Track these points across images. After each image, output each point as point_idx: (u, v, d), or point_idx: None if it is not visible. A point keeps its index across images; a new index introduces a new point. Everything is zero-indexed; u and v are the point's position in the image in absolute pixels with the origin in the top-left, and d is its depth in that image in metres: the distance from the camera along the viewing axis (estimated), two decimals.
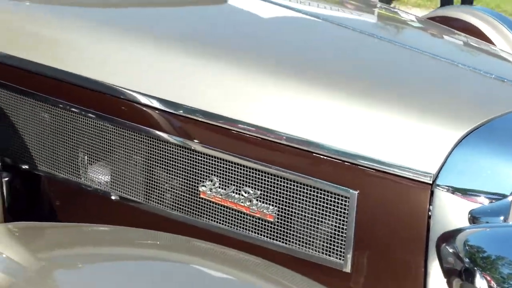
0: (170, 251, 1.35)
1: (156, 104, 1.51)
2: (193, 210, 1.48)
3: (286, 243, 1.35)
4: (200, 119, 1.44)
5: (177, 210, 1.51)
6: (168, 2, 2.24)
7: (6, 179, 1.69)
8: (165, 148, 1.49)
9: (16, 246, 1.35)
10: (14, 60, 1.76)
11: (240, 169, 1.38)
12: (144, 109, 1.53)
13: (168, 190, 1.52)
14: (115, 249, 1.37)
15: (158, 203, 1.54)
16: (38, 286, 1.16)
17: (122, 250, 1.36)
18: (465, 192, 1.20)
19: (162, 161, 1.50)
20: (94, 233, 1.44)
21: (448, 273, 1.13)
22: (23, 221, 1.50)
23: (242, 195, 1.38)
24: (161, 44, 1.66)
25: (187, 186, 1.47)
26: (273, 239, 1.37)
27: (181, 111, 1.47)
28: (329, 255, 1.31)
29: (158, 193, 1.53)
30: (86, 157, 1.65)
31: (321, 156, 1.30)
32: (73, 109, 1.66)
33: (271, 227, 1.37)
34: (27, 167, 1.77)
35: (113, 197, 1.63)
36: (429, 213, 1.21)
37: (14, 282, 1.16)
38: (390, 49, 1.77)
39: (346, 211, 1.27)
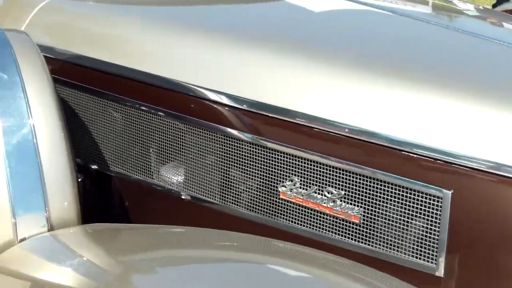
0: (250, 252, 1.31)
1: (232, 102, 1.48)
2: (272, 211, 1.43)
3: (372, 245, 1.30)
4: (278, 117, 1.40)
5: (254, 211, 1.47)
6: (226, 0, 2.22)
7: (79, 180, 1.67)
8: (241, 148, 1.45)
9: (95, 249, 1.34)
10: (85, 59, 1.75)
11: (323, 168, 1.33)
12: (220, 108, 1.50)
13: (245, 190, 1.48)
14: (193, 251, 1.34)
15: (233, 203, 1.50)
16: None
17: (201, 252, 1.33)
18: None
19: (239, 160, 1.47)
20: (171, 235, 1.42)
21: None
22: (98, 223, 1.49)
23: (325, 196, 1.34)
24: (234, 41, 1.62)
25: (265, 186, 1.43)
26: (358, 241, 1.31)
27: (259, 110, 1.43)
28: (420, 258, 1.25)
29: (234, 193, 1.50)
30: (158, 157, 1.63)
31: (411, 155, 1.24)
32: (144, 108, 1.64)
33: (356, 228, 1.31)
34: (97, 167, 1.76)
35: (185, 198, 1.60)
36: None
37: (96, 286, 1.14)
38: (459, 38, 1.71)
39: (439, 212, 1.21)
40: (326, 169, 1.32)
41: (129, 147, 1.69)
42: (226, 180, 1.50)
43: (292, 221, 1.40)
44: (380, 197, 1.27)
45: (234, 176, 1.49)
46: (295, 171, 1.37)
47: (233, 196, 1.50)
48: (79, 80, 1.79)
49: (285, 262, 1.22)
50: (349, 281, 1.14)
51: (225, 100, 1.48)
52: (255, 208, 1.46)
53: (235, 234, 1.38)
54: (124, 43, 1.77)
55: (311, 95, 1.38)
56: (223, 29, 1.75)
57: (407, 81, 1.33)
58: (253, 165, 1.44)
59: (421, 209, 1.23)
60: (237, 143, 1.46)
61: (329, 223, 1.34)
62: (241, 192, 1.49)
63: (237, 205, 1.49)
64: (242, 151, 1.45)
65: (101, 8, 2.04)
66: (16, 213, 1.35)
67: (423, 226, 1.24)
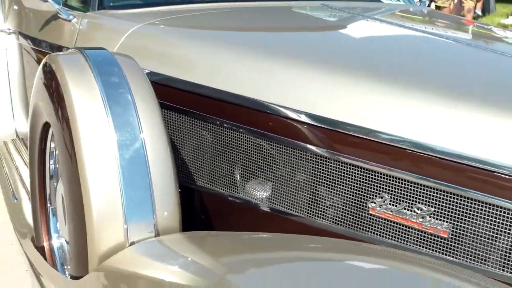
0: (344, 252, 1.39)
1: (321, 123, 1.58)
2: (360, 225, 1.54)
3: (460, 259, 1.40)
4: (369, 138, 1.50)
5: (342, 225, 1.57)
6: (292, 27, 2.36)
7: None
8: (331, 166, 1.56)
9: (198, 252, 1.45)
10: (174, 81, 1.88)
11: (414, 186, 1.43)
12: (311, 128, 1.60)
13: (333, 205, 1.58)
14: (287, 253, 1.43)
15: (320, 217, 1.61)
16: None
17: (294, 253, 1.42)
18: None
19: (328, 178, 1.57)
20: (266, 240, 1.52)
21: None
22: (198, 231, 1.60)
23: (414, 212, 1.44)
24: (320, 66, 1.74)
25: (354, 202, 1.54)
26: (447, 255, 1.41)
27: (344, 129, 1.53)
28: (507, 271, 1.34)
29: (321, 208, 1.60)
30: (245, 173, 1.74)
31: (498, 174, 1.34)
32: (229, 126, 1.75)
33: (444, 243, 1.41)
34: (187, 182, 1.88)
35: (271, 212, 1.71)
36: None
37: (205, 283, 1.24)
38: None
39: None
40: (416, 187, 1.43)
41: (215, 163, 1.81)
42: (314, 196, 1.61)
43: (379, 235, 1.50)
44: (470, 214, 1.37)
45: (322, 192, 1.60)
46: (385, 188, 1.48)
47: (320, 211, 1.60)
48: (168, 100, 1.91)
49: (383, 261, 1.31)
50: (454, 279, 1.22)
51: (316, 121, 1.59)
52: (343, 222, 1.57)
53: (326, 238, 1.48)
54: (211, 66, 1.88)
55: (400, 117, 1.48)
56: (306, 54, 1.88)
57: (492, 105, 1.44)
58: (343, 182, 1.55)
59: (507, 225, 1.33)
60: (326, 161, 1.57)
61: (418, 238, 1.44)
62: (328, 207, 1.59)
63: (324, 219, 1.60)
64: (331, 169, 1.56)
65: (188, 33, 2.19)
66: (128, 220, 1.48)
67: (510, 241, 1.33)
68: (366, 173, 1.50)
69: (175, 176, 1.56)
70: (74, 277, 1.58)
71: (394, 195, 1.46)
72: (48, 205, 2.03)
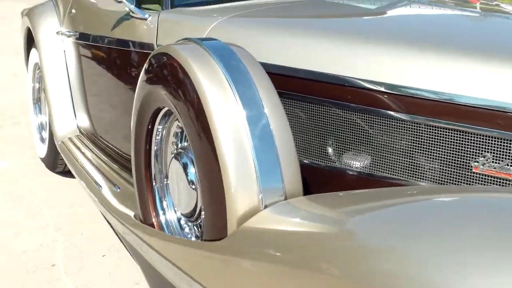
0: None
1: (426, 94, 1.75)
2: (464, 183, 1.72)
3: None
4: (465, 105, 1.67)
5: (446, 184, 1.75)
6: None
7: None
8: (433, 133, 1.74)
9: (328, 208, 1.62)
10: (268, 66, 2.02)
11: None
12: (417, 100, 1.77)
13: (435, 168, 1.76)
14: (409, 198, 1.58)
15: (423, 179, 1.79)
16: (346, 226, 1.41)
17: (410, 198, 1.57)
18: None
19: (430, 143, 1.75)
20: (381, 192, 1.68)
21: None
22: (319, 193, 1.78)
23: None
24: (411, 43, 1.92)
25: (457, 164, 1.72)
26: None
27: (448, 98, 1.70)
28: None
29: (424, 170, 1.78)
30: (347, 145, 1.92)
31: None
32: (325, 103, 1.93)
33: None
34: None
35: (372, 178, 1.88)
36: None
37: (338, 231, 1.41)
38: None
39: None
40: None
41: (315, 138, 1.99)
42: (416, 161, 1.79)
43: None
44: None
45: (424, 157, 1.78)
46: (488, 148, 1.67)
47: (423, 173, 1.79)
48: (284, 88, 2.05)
49: None
50: None
51: (419, 93, 1.76)
52: (447, 182, 1.75)
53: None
54: (302, 50, 2.04)
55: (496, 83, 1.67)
56: (386, 34, 2.06)
57: None
58: (445, 146, 1.73)
59: None
60: (430, 129, 1.75)
61: None
62: (430, 169, 1.77)
63: (427, 180, 1.78)
64: (435, 136, 1.74)
65: (272, 23, 2.37)
66: (262, 186, 1.66)
67: None
68: (468, 136, 1.69)
69: (294, 146, 1.74)
70: (209, 241, 1.76)
71: (496, 153, 1.65)
72: (154, 184, 2.21)
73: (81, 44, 3.38)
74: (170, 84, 1.87)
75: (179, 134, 2.13)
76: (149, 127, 2.14)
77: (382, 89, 1.81)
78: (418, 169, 1.79)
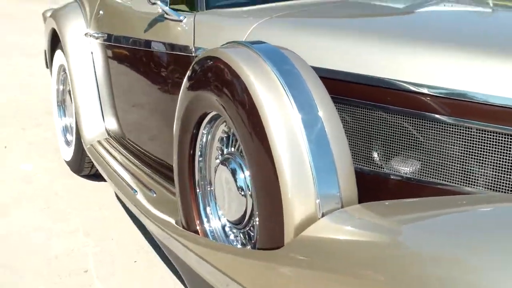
0: None
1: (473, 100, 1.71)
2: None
3: None
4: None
5: (497, 191, 1.69)
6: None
7: None
8: (486, 137, 1.68)
9: (387, 217, 1.58)
10: (335, 73, 1.98)
11: None
12: (468, 106, 1.72)
13: (488, 174, 1.71)
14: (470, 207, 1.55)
15: (473, 185, 1.73)
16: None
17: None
18: None
19: (481, 148, 1.69)
20: (439, 201, 1.64)
21: None
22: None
23: None
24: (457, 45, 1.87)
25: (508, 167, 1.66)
26: None
27: (500, 102, 1.66)
28: None
29: (474, 176, 1.73)
30: (400, 151, 1.87)
31: None
32: (372, 108, 1.88)
33: None
34: None
35: (421, 184, 1.83)
36: None
37: (383, 237, 1.40)
38: None
39: None
40: None
41: (362, 143, 1.94)
42: (467, 166, 1.74)
43: None
44: None
45: (477, 162, 1.73)
46: None
47: (476, 179, 1.73)
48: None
49: None
50: None
51: (471, 96, 1.72)
52: (500, 189, 1.69)
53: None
54: (349, 52, 2.00)
55: None
56: (431, 35, 2.02)
57: None
58: (500, 151, 1.67)
59: None
60: (483, 134, 1.69)
61: None
62: (483, 175, 1.72)
63: (480, 187, 1.72)
64: (486, 140, 1.69)
65: (314, 24, 2.33)
66: (319, 193, 1.61)
67: None
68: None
69: (349, 152, 1.70)
70: (264, 249, 1.72)
71: None
72: (197, 190, 2.17)
73: (110, 46, 3.34)
74: (221, 88, 1.83)
75: (224, 139, 2.09)
76: (194, 132, 2.10)
77: (432, 92, 1.76)
78: (470, 175, 1.74)
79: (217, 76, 1.86)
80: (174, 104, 2.27)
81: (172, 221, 2.33)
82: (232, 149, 2.03)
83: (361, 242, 1.46)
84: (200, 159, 2.16)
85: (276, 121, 1.64)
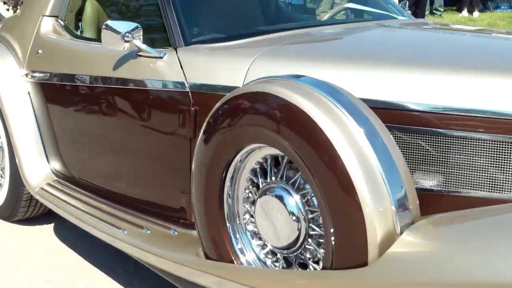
0: None
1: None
2: None
3: None
4: None
5: None
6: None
7: None
8: None
9: (458, 227, 1.78)
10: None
11: None
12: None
13: None
14: None
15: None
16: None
17: None
18: None
19: None
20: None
21: None
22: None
23: None
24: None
25: None
26: None
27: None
28: None
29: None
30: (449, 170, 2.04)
31: None
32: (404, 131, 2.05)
33: None
34: None
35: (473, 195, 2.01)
36: None
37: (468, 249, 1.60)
38: None
39: None
40: None
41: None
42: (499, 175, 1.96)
43: None
44: None
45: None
46: None
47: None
48: None
49: None
50: None
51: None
52: None
53: None
54: (366, 78, 2.17)
55: None
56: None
57: None
58: None
59: None
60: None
61: None
62: None
63: None
64: None
65: (317, 53, 2.50)
66: (395, 210, 1.77)
67: None
68: None
69: (409, 172, 1.87)
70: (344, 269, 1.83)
71: None
72: (228, 224, 2.23)
73: (55, 86, 3.25)
74: (279, 123, 1.92)
75: (258, 170, 2.17)
76: (224, 168, 2.17)
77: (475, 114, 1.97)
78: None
79: (270, 111, 1.96)
80: (147, 140, 2.37)
81: (191, 255, 2.35)
82: (273, 178, 2.12)
83: (452, 256, 1.63)
84: (229, 193, 2.22)
85: (349, 150, 1.78)
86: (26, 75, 3.42)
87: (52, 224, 3.76)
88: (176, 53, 2.65)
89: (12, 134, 3.41)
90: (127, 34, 2.65)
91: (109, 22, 2.70)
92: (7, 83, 3.47)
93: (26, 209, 3.65)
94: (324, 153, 1.81)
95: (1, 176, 3.81)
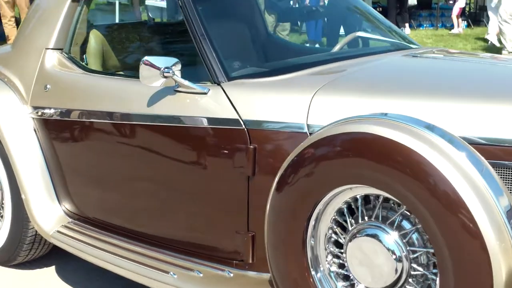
0: None
1: None
2: None
3: None
4: None
5: None
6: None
7: None
8: None
9: None
10: None
11: None
12: None
13: None
14: None
15: None
16: None
17: None
18: None
19: None
20: None
21: None
22: None
23: None
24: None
25: None
26: None
27: None
28: None
29: None
30: None
31: None
32: None
33: None
34: None
35: None
36: None
37: None
38: None
39: None
40: None
41: None
42: None
43: None
44: None
45: None
46: None
47: None
48: None
49: None
50: None
51: None
52: None
53: None
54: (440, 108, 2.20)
55: None
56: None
57: None
58: None
59: None
60: None
61: None
62: None
63: None
64: None
65: (381, 84, 2.52)
66: None
67: None
68: None
69: None
70: None
71: None
72: (311, 268, 2.18)
73: (70, 122, 3.09)
74: (383, 162, 1.91)
75: (345, 209, 2.14)
76: (311, 210, 2.13)
77: None
78: None
79: (372, 152, 1.94)
80: (194, 179, 2.40)
81: None
82: (366, 218, 2.09)
83: None
84: (312, 236, 2.18)
85: (467, 188, 1.79)
86: (33, 111, 3.23)
87: (53, 267, 3.57)
88: (222, 88, 2.58)
89: (18, 174, 3.21)
90: (166, 69, 2.56)
91: (147, 57, 2.60)
92: (9, 120, 3.27)
93: (27, 252, 3.45)
94: (443, 193, 1.81)
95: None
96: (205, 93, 2.60)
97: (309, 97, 2.39)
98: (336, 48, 3.26)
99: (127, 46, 3.56)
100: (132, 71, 3.29)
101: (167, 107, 2.69)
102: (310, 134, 2.29)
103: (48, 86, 3.21)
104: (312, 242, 2.19)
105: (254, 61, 2.96)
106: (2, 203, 3.47)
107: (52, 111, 3.15)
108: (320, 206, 2.15)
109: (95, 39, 3.40)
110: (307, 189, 2.13)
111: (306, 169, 2.11)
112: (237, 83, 2.62)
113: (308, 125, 2.33)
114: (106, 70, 3.41)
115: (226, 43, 2.81)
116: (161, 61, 2.59)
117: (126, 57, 3.70)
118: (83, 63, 3.33)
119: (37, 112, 3.22)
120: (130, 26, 4.19)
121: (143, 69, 2.58)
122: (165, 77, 2.57)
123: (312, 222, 2.17)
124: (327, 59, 2.98)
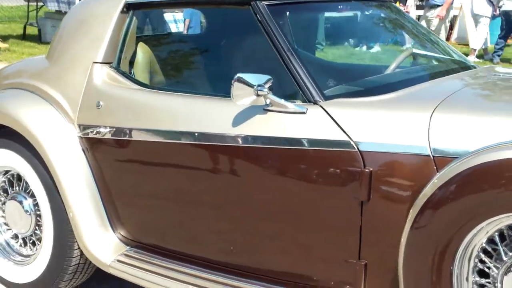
0: None
1: None
2: None
3: None
4: None
5: None
6: None
7: None
8: None
9: None
10: None
11: None
12: None
13: None
14: None
15: None
16: None
17: None
18: None
19: None
20: None
21: None
22: None
23: None
24: None
25: None
26: None
27: None
28: None
29: None
30: None
31: None
32: None
33: None
34: None
35: None
36: None
37: None
38: None
39: None
40: None
41: None
42: None
43: None
44: None
45: None
46: None
47: None
48: None
49: None
50: None
51: None
52: None
53: None
54: None
55: None
56: None
57: None
58: None
59: None
60: None
61: None
62: None
63: None
64: None
65: None
66: None
67: None
68: None
69: None
70: None
71: None
72: None
73: (124, 142, 2.86)
74: None
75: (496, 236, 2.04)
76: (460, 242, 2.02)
77: None
78: None
79: None
80: (291, 203, 2.33)
81: None
82: None
83: None
84: (458, 268, 2.07)
85: None
86: (82, 130, 2.97)
87: None
88: (322, 108, 2.43)
89: (66, 199, 2.94)
90: (259, 87, 2.39)
91: (240, 74, 2.42)
92: (54, 141, 3.00)
93: (67, 282, 3.18)
94: None
95: (32, 246, 3.29)
96: (303, 113, 2.44)
97: (428, 115, 2.27)
98: (392, 67, 3.13)
99: (183, 60, 3.33)
100: (191, 87, 3.10)
101: (256, 127, 2.52)
102: (434, 156, 2.17)
103: (101, 103, 2.96)
104: (457, 275, 2.07)
105: (340, 79, 2.81)
106: (40, 229, 3.19)
107: (107, 130, 2.91)
108: (469, 238, 2.03)
109: (142, 53, 3.18)
110: (458, 219, 2.01)
111: (457, 199, 1.99)
112: (338, 102, 2.47)
113: (430, 147, 2.21)
114: (153, 85, 3.18)
115: (311, 60, 2.66)
116: (254, 78, 2.42)
117: (182, 72, 3.47)
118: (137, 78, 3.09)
119: (87, 131, 2.96)
120: (178, 38, 3.96)
121: (237, 87, 2.40)
122: (259, 95, 2.40)
123: (458, 256, 2.06)
124: (412, 78, 2.87)
